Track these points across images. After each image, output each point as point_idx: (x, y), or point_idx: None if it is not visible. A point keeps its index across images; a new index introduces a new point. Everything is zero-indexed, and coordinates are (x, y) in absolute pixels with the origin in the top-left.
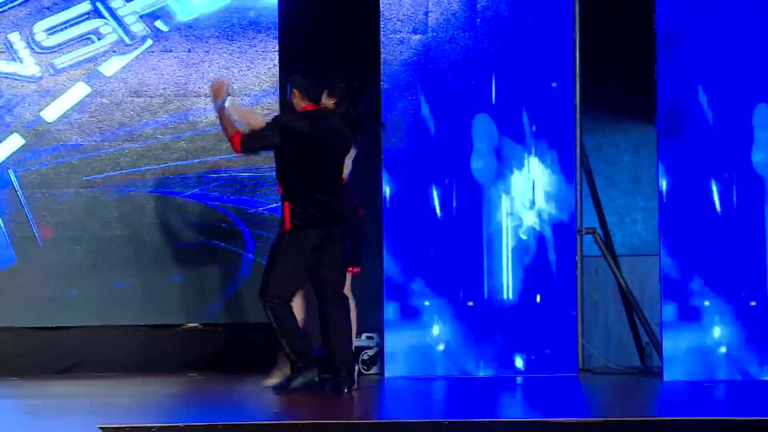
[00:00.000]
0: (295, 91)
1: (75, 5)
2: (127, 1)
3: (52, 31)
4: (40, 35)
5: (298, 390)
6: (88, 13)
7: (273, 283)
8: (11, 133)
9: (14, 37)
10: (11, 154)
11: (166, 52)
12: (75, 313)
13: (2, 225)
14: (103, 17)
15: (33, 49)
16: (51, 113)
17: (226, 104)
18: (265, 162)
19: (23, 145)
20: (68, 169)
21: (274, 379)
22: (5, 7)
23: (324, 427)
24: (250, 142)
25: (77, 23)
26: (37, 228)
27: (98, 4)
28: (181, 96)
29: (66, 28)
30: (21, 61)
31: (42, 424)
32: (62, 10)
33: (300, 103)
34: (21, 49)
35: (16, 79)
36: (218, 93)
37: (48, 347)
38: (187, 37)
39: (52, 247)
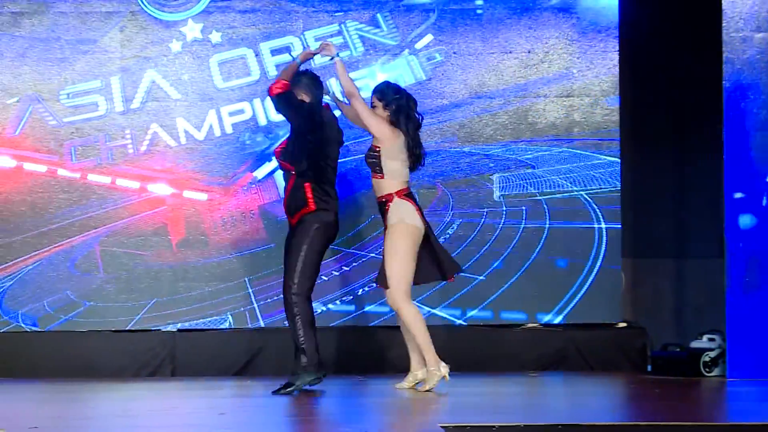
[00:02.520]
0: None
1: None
2: None
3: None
4: None
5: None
6: None
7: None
8: None
9: None
10: None
11: (505, 53)
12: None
13: None
14: None
15: None
16: None
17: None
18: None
19: None
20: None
21: (405, 384)
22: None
23: (667, 428)
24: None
25: None
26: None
27: None
28: (520, 97)
29: None
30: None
31: (384, 420)
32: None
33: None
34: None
35: None
36: (329, 49)
37: (395, 346)
38: (528, 38)
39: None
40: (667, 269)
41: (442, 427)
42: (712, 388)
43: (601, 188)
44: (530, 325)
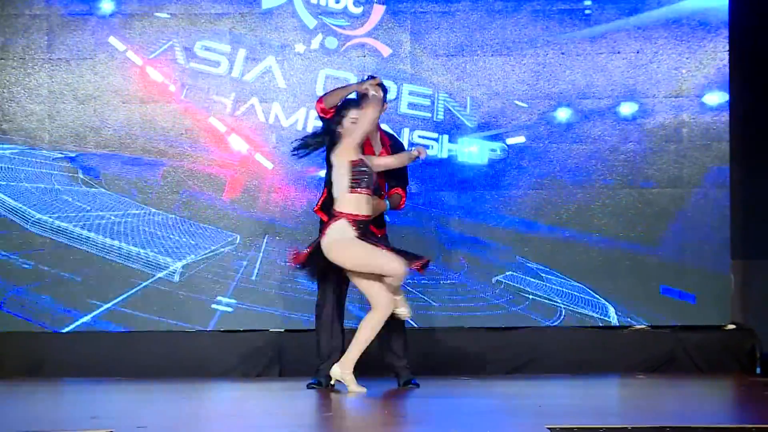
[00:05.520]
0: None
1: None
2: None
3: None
4: None
5: None
6: None
7: None
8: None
9: None
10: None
11: (614, 53)
12: (528, 314)
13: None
14: None
15: None
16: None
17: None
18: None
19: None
20: (518, 171)
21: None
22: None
23: None
24: None
25: None
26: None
27: None
28: (628, 97)
29: None
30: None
31: (490, 421)
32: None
33: None
34: None
35: None
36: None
37: (500, 347)
38: (636, 38)
39: (499, 249)
40: None
41: (548, 428)
42: None
43: (709, 188)
44: (638, 326)
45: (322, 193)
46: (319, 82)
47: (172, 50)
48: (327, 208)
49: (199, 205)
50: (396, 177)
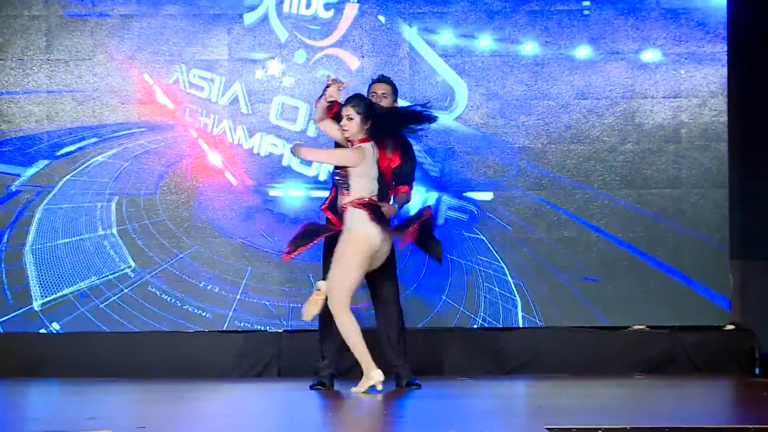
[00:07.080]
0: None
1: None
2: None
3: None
4: None
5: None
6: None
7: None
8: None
9: None
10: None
11: (612, 54)
12: (537, 314)
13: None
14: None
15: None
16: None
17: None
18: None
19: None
20: (516, 171)
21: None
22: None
23: None
24: None
25: None
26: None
27: None
28: (627, 98)
29: None
30: None
31: (488, 422)
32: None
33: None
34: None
35: None
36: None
37: (499, 347)
38: (635, 38)
39: (497, 249)
40: None
41: (547, 429)
42: None
43: (708, 189)
44: (637, 327)
45: (330, 192)
46: (273, 108)
47: (177, 80)
48: (333, 208)
49: (198, 205)
50: (400, 176)
